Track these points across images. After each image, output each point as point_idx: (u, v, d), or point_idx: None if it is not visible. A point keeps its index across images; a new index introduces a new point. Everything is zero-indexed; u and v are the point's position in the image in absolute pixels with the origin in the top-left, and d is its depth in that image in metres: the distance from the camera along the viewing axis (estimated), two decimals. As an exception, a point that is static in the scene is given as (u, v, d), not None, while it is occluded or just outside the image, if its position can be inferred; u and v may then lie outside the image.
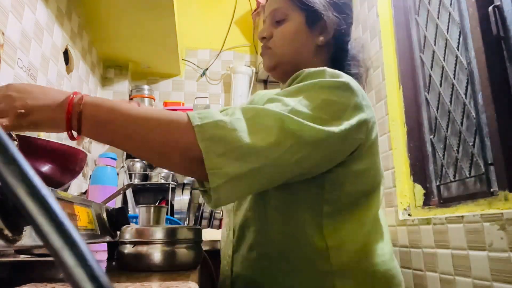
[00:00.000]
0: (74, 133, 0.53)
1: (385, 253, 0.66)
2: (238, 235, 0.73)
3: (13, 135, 0.52)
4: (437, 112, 1.30)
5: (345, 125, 0.57)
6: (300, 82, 0.62)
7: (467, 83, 1.15)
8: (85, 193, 1.26)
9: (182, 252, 0.66)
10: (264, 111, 0.54)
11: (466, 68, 1.15)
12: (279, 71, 0.76)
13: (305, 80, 0.62)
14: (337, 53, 0.78)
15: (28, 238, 0.38)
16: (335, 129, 0.56)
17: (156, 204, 1.82)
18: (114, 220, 0.76)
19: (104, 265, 0.78)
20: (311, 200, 0.64)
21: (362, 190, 0.66)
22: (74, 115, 0.51)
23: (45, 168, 0.59)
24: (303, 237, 0.64)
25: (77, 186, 1.60)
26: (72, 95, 0.53)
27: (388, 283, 0.65)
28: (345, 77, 0.62)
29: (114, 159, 1.15)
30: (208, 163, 0.49)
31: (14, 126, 0.51)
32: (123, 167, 1.67)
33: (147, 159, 0.63)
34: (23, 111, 0.50)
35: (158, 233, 0.65)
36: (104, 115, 0.52)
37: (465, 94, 1.15)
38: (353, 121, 0.59)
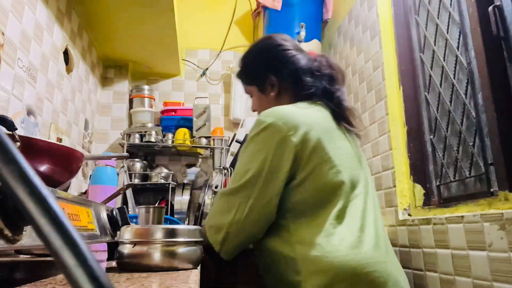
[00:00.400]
0: None
1: (334, 244, 0.78)
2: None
3: (16, 136, 0.52)
4: (437, 112, 1.30)
5: (261, 166, 0.83)
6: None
7: (467, 83, 1.15)
8: (85, 193, 1.26)
9: (182, 252, 0.66)
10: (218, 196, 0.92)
11: (466, 68, 1.15)
12: None
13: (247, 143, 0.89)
14: (295, 84, 0.99)
15: (28, 238, 0.38)
16: (249, 176, 0.84)
17: (156, 204, 1.82)
18: (114, 220, 0.76)
19: (104, 265, 0.78)
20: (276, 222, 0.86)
21: (305, 197, 0.83)
22: None
23: (45, 168, 0.59)
24: (272, 246, 0.86)
25: (77, 186, 1.61)
26: None
27: (336, 271, 0.75)
28: (268, 120, 0.85)
29: (115, 159, 1.15)
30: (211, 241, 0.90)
31: None
32: (123, 167, 1.67)
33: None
34: None
35: (158, 233, 0.65)
36: None
37: (465, 94, 1.15)
38: (270, 156, 0.83)
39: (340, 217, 0.81)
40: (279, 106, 0.91)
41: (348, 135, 0.96)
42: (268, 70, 1.01)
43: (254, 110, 1.11)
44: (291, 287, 0.79)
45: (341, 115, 0.96)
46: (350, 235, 0.79)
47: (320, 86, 0.97)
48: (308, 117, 0.88)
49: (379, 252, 0.80)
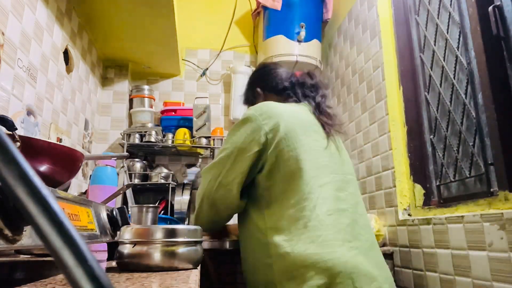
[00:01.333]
0: None
1: (286, 240, 0.85)
2: None
3: (16, 136, 0.52)
4: (437, 112, 1.30)
5: (232, 148, 0.95)
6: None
7: (467, 83, 1.15)
8: (85, 193, 1.26)
9: (182, 252, 0.66)
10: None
11: (466, 68, 1.15)
12: None
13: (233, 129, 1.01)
14: (277, 91, 1.14)
15: (28, 238, 0.38)
16: (222, 155, 0.97)
17: (156, 204, 1.82)
18: (114, 220, 0.76)
19: (104, 265, 0.78)
20: (253, 202, 0.96)
21: (273, 184, 0.92)
22: None
23: (45, 168, 0.59)
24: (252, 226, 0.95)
25: (77, 186, 1.61)
26: None
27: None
28: (248, 112, 0.98)
29: (115, 159, 1.15)
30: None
31: None
32: (123, 167, 1.67)
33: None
34: None
35: (158, 233, 0.65)
36: None
37: (465, 94, 1.15)
38: (242, 139, 0.94)
39: (302, 205, 0.87)
40: (266, 102, 1.03)
41: (326, 135, 1.03)
42: (255, 85, 1.20)
43: None
44: (264, 270, 0.88)
45: (319, 114, 1.06)
46: (311, 223, 0.85)
47: (300, 91, 1.11)
48: (287, 110, 0.99)
49: (338, 242, 0.83)
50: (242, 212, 1.01)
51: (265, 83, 1.18)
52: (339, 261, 0.80)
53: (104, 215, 0.73)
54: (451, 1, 1.24)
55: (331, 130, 1.04)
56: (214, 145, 1.96)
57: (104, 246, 0.88)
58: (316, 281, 0.78)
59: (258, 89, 1.18)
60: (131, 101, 2.07)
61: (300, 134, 0.94)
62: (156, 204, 1.83)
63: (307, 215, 0.85)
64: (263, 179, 0.93)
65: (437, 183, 1.28)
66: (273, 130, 0.93)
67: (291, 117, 0.97)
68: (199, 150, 2.02)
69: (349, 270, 0.80)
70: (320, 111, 1.06)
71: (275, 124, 0.94)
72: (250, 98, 1.22)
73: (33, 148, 0.57)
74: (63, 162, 0.62)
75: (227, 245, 1.19)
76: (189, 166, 2.16)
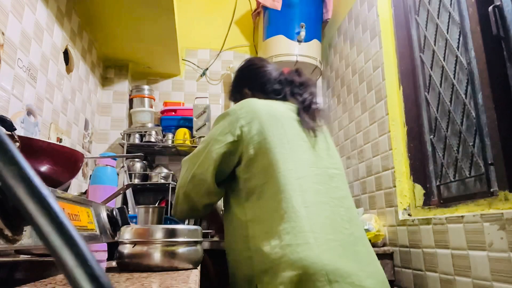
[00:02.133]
0: None
1: (265, 233, 0.86)
2: None
3: (15, 136, 0.52)
4: (437, 112, 1.30)
5: (209, 139, 0.99)
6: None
7: (467, 83, 1.15)
8: (85, 193, 1.26)
9: (182, 252, 0.66)
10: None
11: (466, 68, 1.15)
12: None
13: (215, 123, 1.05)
14: (264, 91, 1.13)
15: (28, 238, 0.38)
16: (200, 146, 1.02)
17: (156, 205, 1.82)
18: (114, 220, 0.76)
19: (104, 265, 0.78)
20: (234, 195, 0.98)
21: (251, 177, 0.93)
22: None
23: (45, 168, 0.59)
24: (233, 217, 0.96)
25: (77, 186, 1.60)
26: None
27: (264, 259, 0.83)
28: (230, 108, 1.01)
29: (114, 159, 1.15)
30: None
31: None
32: (123, 167, 1.67)
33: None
34: None
35: (158, 233, 0.65)
36: None
37: (465, 94, 1.15)
38: (219, 131, 0.98)
39: (278, 196, 0.88)
40: (250, 98, 1.05)
41: (310, 130, 1.04)
42: (242, 85, 1.19)
43: None
44: (245, 263, 0.89)
45: (304, 111, 1.07)
46: (287, 214, 0.85)
47: (288, 90, 1.12)
48: (268, 105, 1.01)
49: (314, 234, 0.83)
50: (226, 206, 1.03)
51: (253, 84, 1.17)
52: (313, 253, 0.80)
53: (104, 215, 0.73)
54: (451, 1, 1.24)
55: (314, 127, 1.04)
56: (214, 145, 1.96)
57: (104, 246, 0.88)
58: (289, 273, 0.78)
59: (246, 90, 1.18)
60: (131, 101, 2.07)
61: (279, 129, 0.96)
62: (156, 204, 1.84)
63: (283, 207, 0.86)
64: (242, 171, 0.95)
65: (437, 183, 1.28)
66: (250, 123, 0.96)
67: (272, 112, 0.99)
68: (199, 150, 2.02)
69: (323, 263, 0.79)
70: (306, 110, 1.07)
71: (252, 117, 0.96)
72: (238, 99, 1.20)
73: (33, 148, 0.57)
74: (63, 162, 0.62)
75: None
76: (189, 166, 2.16)
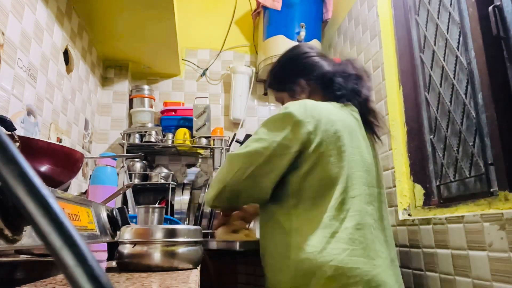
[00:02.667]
0: None
1: (310, 245, 0.83)
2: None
3: (15, 136, 0.52)
4: (437, 112, 1.30)
5: (271, 140, 0.89)
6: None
7: (467, 83, 1.15)
8: (85, 193, 1.26)
9: (182, 252, 0.66)
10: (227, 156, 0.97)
11: (466, 68, 1.15)
12: None
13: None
14: (324, 86, 1.05)
15: (28, 238, 0.38)
16: (258, 145, 0.90)
17: (156, 204, 1.82)
18: (114, 220, 0.76)
19: (104, 265, 0.78)
20: (279, 199, 0.93)
21: (308, 186, 0.88)
22: None
23: (45, 168, 0.59)
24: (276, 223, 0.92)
25: (77, 186, 1.61)
26: None
27: (312, 268, 0.81)
28: (290, 108, 0.91)
29: (114, 159, 1.15)
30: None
31: None
32: (123, 167, 1.67)
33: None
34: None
35: (158, 233, 0.65)
36: None
37: (465, 94, 1.15)
38: (282, 135, 0.88)
39: (332, 213, 0.85)
40: (308, 99, 0.97)
41: (370, 142, 1.01)
42: (297, 75, 1.08)
43: None
44: (281, 271, 0.87)
45: (367, 119, 1.02)
46: (323, 236, 0.83)
47: (349, 86, 1.02)
48: (332, 113, 0.94)
49: (358, 252, 0.83)
50: (265, 209, 0.97)
51: (311, 76, 1.06)
52: (364, 276, 0.80)
53: (104, 215, 0.73)
54: (451, 1, 1.24)
55: (379, 132, 1.02)
56: (214, 145, 1.96)
57: (104, 246, 0.88)
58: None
59: (303, 81, 1.07)
60: (131, 101, 2.07)
61: (342, 140, 0.90)
62: (156, 204, 1.84)
63: (335, 225, 0.83)
64: (297, 179, 0.89)
65: (437, 183, 1.28)
66: (316, 130, 0.88)
67: (335, 120, 0.92)
68: (199, 150, 2.02)
69: (372, 285, 0.79)
70: (368, 115, 1.02)
71: (318, 124, 0.89)
72: (290, 90, 1.09)
73: (33, 148, 0.57)
74: (63, 162, 0.62)
75: (237, 246, 1.18)
76: (189, 166, 2.16)
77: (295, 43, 1.99)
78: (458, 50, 1.19)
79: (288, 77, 1.10)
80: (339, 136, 0.90)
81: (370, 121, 1.02)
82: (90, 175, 1.10)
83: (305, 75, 1.06)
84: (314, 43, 2.04)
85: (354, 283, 0.79)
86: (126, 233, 0.66)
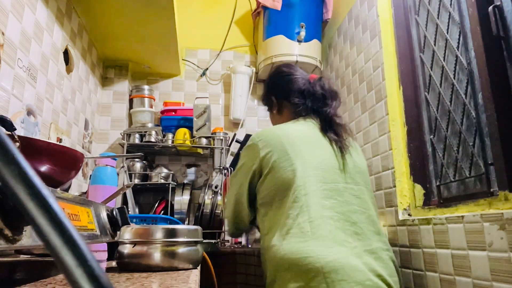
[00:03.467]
0: None
1: (272, 245, 0.95)
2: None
3: (15, 136, 0.52)
4: (437, 112, 1.30)
5: (240, 169, 1.12)
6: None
7: (467, 83, 1.15)
8: (85, 193, 1.26)
9: (182, 252, 0.66)
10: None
11: (466, 68, 1.15)
12: None
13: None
14: (289, 102, 1.22)
15: (28, 238, 0.38)
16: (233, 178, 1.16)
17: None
18: (114, 220, 0.76)
19: (104, 265, 0.78)
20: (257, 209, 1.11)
21: (267, 193, 1.03)
22: None
23: (45, 168, 0.59)
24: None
25: (77, 186, 1.60)
26: None
27: (276, 264, 0.92)
28: (253, 138, 1.12)
29: (114, 159, 1.15)
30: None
31: None
32: (123, 167, 1.67)
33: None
34: None
35: (158, 233, 0.65)
36: None
37: (465, 94, 1.15)
38: (246, 164, 1.10)
39: (287, 212, 0.96)
40: (269, 127, 1.17)
41: (335, 147, 1.11)
42: (270, 93, 1.28)
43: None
44: (266, 271, 0.99)
45: (327, 128, 1.14)
46: (292, 230, 0.94)
47: (309, 105, 1.18)
48: (287, 129, 1.11)
49: (318, 248, 0.90)
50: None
51: (279, 93, 1.25)
52: (315, 263, 0.86)
53: (104, 215, 0.73)
54: (451, 1, 1.24)
55: (341, 144, 1.11)
56: (214, 145, 1.96)
57: (104, 246, 0.88)
58: (293, 284, 0.86)
59: (273, 98, 1.27)
60: (131, 101, 2.07)
61: (297, 150, 1.04)
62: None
63: (289, 223, 0.94)
64: (260, 187, 1.06)
65: (437, 183, 1.28)
66: (267, 156, 1.06)
67: (284, 134, 1.08)
68: (199, 150, 2.02)
69: (326, 270, 0.85)
70: (329, 127, 1.14)
71: (270, 151, 1.06)
72: (268, 105, 1.31)
73: (33, 148, 0.57)
74: (63, 162, 0.62)
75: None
76: (189, 166, 2.16)
77: (295, 43, 1.99)
78: (458, 50, 1.19)
79: (265, 94, 1.31)
80: (293, 148, 1.04)
81: (328, 134, 1.13)
82: (90, 175, 1.10)
83: (275, 93, 1.26)
84: (314, 43, 2.04)
85: (307, 270, 0.85)
86: (126, 233, 0.66)
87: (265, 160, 1.06)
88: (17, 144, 0.52)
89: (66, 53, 1.47)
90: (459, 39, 1.19)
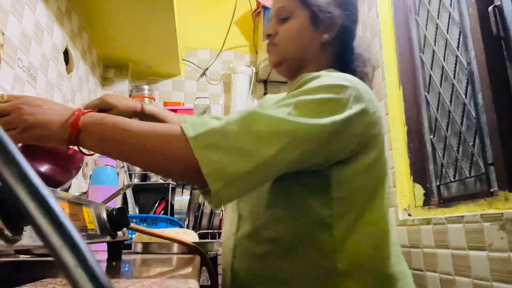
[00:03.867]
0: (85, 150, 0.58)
1: (393, 256, 0.67)
2: (238, 226, 0.71)
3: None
4: (437, 112, 1.30)
5: (340, 117, 0.57)
6: (299, 87, 0.62)
7: (467, 83, 1.15)
8: (85, 193, 1.26)
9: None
10: (258, 114, 0.54)
11: (466, 68, 1.15)
12: (284, 67, 0.77)
13: (303, 85, 0.62)
14: (342, 51, 0.77)
15: (28, 238, 0.38)
16: (327, 120, 0.56)
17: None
18: (114, 220, 0.76)
19: (104, 265, 0.78)
20: (318, 193, 0.63)
21: (369, 185, 0.65)
22: (78, 133, 0.55)
23: (45, 168, 0.59)
24: (308, 228, 0.62)
25: (77, 186, 1.61)
26: (76, 112, 0.55)
27: (392, 287, 0.64)
28: (341, 80, 0.62)
29: (114, 159, 1.15)
30: (205, 170, 0.50)
31: (20, 139, 0.54)
32: (123, 167, 1.67)
33: (151, 171, 0.68)
34: (30, 124, 0.54)
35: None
36: (107, 132, 0.56)
37: (465, 94, 1.15)
38: (347, 114, 0.58)
39: (387, 219, 0.69)
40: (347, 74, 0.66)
41: None
42: (338, 8, 0.73)
43: (271, 35, 0.77)
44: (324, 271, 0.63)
45: None
46: (396, 243, 0.72)
47: (363, 73, 0.80)
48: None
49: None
50: (294, 206, 0.64)
51: (344, 29, 0.75)
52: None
53: (104, 215, 0.73)
54: (451, 1, 1.24)
55: None
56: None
57: (104, 246, 0.88)
58: None
59: (339, 17, 0.73)
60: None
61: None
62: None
63: (389, 239, 0.69)
64: (352, 177, 0.63)
65: (437, 183, 1.28)
66: (375, 122, 0.64)
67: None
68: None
69: None
70: None
71: (376, 112, 0.65)
72: (314, 12, 0.73)
73: (33, 148, 0.57)
74: (63, 162, 0.62)
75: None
76: (189, 166, 2.16)
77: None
78: (458, 50, 1.19)
79: (325, 2, 0.73)
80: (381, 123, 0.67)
81: None
82: (90, 175, 1.10)
83: (349, 21, 0.75)
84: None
85: None
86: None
87: (374, 135, 0.64)
88: (18, 144, 0.52)
89: (66, 53, 1.47)
90: (459, 39, 1.19)
